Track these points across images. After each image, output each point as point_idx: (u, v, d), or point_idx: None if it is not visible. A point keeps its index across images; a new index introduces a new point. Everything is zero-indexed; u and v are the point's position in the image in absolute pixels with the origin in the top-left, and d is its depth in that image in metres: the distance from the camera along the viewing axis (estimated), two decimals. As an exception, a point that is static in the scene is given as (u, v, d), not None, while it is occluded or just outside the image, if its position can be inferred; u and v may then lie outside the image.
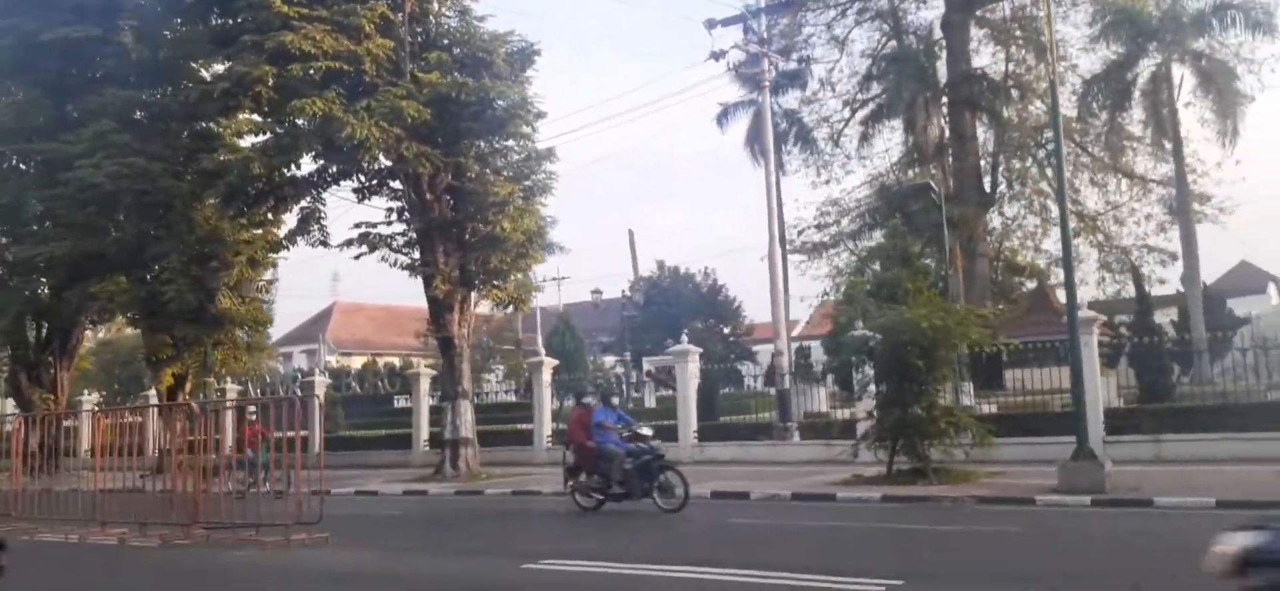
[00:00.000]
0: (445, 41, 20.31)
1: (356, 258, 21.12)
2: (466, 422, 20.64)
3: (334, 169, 20.78)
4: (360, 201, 21.35)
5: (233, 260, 23.49)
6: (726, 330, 43.19)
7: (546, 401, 23.94)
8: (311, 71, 18.35)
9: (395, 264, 21.19)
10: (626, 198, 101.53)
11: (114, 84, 23.35)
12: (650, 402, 35.91)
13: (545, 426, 23.63)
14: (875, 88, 43.20)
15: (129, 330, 45.37)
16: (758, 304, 47.96)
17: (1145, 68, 33.02)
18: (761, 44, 24.24)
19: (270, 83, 18.51)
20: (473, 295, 21.23)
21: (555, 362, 25.18)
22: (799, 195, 41.87)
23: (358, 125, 17.82)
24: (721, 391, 35.97)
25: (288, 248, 20.82)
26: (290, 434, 12.55)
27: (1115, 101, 33.33)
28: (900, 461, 15.34)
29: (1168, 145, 33.63)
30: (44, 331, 28.66)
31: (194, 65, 24.46)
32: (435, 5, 20.46)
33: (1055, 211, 41.20)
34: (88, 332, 32.14)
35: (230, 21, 21.21)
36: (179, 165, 23.12)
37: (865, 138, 43.72)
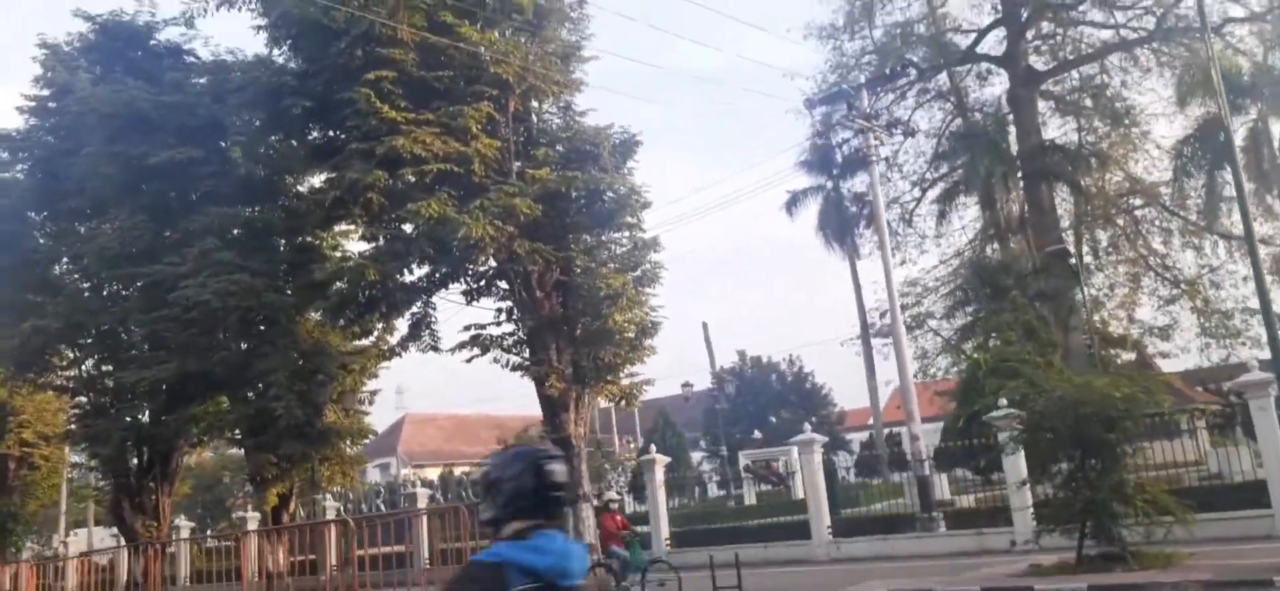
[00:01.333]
0: (547, 138, 19.73)
1: (469, 361, 20.31)
2: (589, 527, 19.38)
3: (441, 272, 20.10)
4: (468, 303, 20.65)
5: (337, 373, 22.79)
6: (814, 419, 41.46)
7: (662, 501, 22.62)
8: (422, 175, 17.78)
9: (507, 364, 20.28)
10: (695, 288, 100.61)
11: (213, 203, 23.12)
12: (750, 499, 34.24)
13: (663, 528, 22.27)
14: (943, 166, 42.39)
15: (208, 454, 45.11)
16: (844, 391, 46.40)
17: (1240, 125, 31.60)
18: (868, 120, 23.23)
19: (381, 187, 17.97)
20: (585, 393, 20.17)
21: (667, 460, 23.91)
22: (876, 278, 40.05)
23: (474, 225, 17.13)
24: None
25: (400, 355, 20.12)
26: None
27: (1213, 161, 31.81)
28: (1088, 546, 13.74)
29: (1271, 200, 32.01)
30: (144, 456, 28.17)
31: (289, 180, 24.27)
32: (537, 103, 19.95)
33: (1146, 280, 39.73)
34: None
35: (331, 133, 20.99)
36: (280, 280, 22.68)
37: (943, 216, 42.74)
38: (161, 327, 22.41)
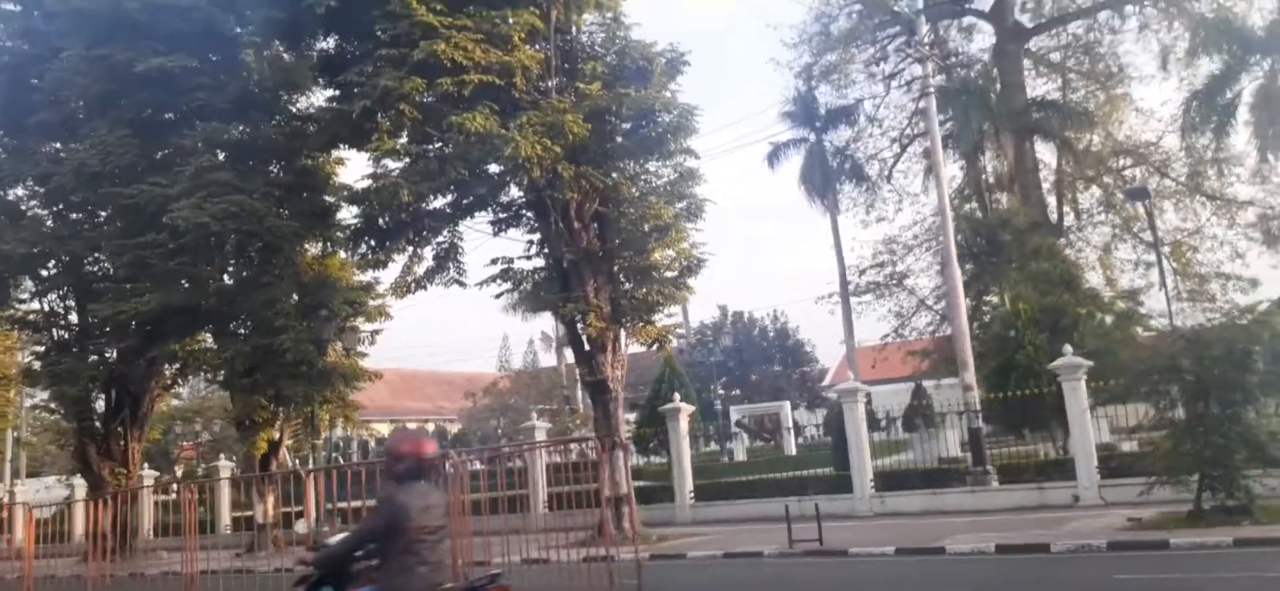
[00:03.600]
0: (592, 53, 17.88)
1: (497, 296, 18.50)
2: (626, 477, 17.89)
3: (468, 199, 18.23)
4: (495, 234, 18.83)
5: (341, 308, 20.78)
6: (796, 374, 40.48)
7: (685, 453, 21.21)
8: (461, 86, 15.85)
9: (533, 301, 18.53)
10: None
11: (202, 119, 20.77)
12: (741, 455, 33.05)
13: (687, 482, 20.89)
14: (921, 124, 41.49)
15: (174, 400, 42.23)
16: (826, 348, 45.44)
17: (1248, 83, 31.08)
18: (933, 45, 21.76)
19: (416, 99, 16.01)
20: (622, 333, 18.54)
21: (691, 408, 22.48)
22: (854, 235, 39.07)
23: (522, 142, 15.31)
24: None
25: (424, 287, 18.21)
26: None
27: (1221, 119, 31.25)
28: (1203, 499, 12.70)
29: (1274, 161, 31.67)
30: (113, 398, 25.74)
31: (286, 97, 22.01)
32: (579, 14, 18.02)
33: (1136, 239, 39.36)
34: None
35: (345, 44, 18.87)
36: (279, 205, 20.52)
37: (929, 171, 41.88)
38: (145, 254, 20.05)
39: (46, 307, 25.39)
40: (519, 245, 18.74)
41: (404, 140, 16.60)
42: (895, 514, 18.38)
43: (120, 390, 25.43)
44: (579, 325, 18.30)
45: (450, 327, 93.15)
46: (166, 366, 25.72)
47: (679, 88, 18.16)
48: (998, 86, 38.02)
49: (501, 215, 18.76)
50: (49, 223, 24.30)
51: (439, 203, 17.96)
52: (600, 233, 18.21)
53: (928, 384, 33.19)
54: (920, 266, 41.67)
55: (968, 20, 41.42)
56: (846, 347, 41.44)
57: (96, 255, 23.79)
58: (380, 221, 17.77)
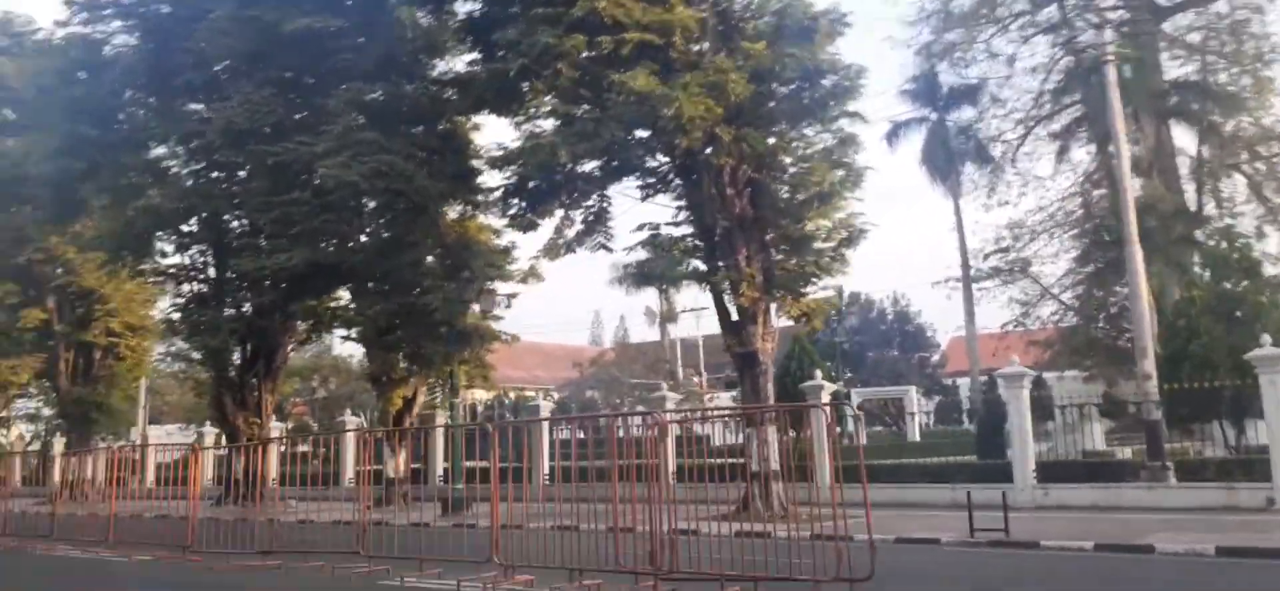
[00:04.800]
0: (751, 12, 16.96)
1: (642, 263, 17.84)
2: (775, 452, 17.15)
3: (617, 164, 17.61)
4: (643, 199, 18.18)
5: (484, 270, 20.49)
6: (915, 359, 39.00)
7: (826, 433, 20.33)
8: (619, 45, 15.17)
9: (688, 270, 17.84)
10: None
11: (344, 80, 20.61)
12: (862, 440, 31.82)
13: (826, 462, 20.03)
14: (1048, 105, 39.36)
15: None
16: (942, 334, 43.75)
17: None
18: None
19: (576, 58, 15.40)
20: (773, 305, 17.73)
21: (834, 387, 21.59)
22: (976, 218, 37.14)
23: (686, 102, 14.57)
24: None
25: (573, 250, 17.73)
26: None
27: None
28: None
29: None
30: (248, 350, 26.17)
31: (426, 60, 21.71)
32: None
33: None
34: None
35: (490, 7, 18.36)
36: (423, 166, 20.25)
37: (1063, 152, 39.76)
38: (291, 211, 20.06)
39: (188, 261, 25.93)
40: (665, 211, 18.11)
41: (556, 101, 16.01)
42: (1060, 507, 17.20)
43: (256, 343, 25.85)
44: (728, 295, 17.57)
45: (543, 300, 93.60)
46: (301, 322, 26.01)
47: (836, 51, 17.18)
48: (1129, 68, 35.66)
49: (650, 181, 18.10)
50: (190, 181, 24.75)
51: (588, 166, 17.42)
52: (753, 200, 17.38)
53: (1048, 376, 31.70)
54: (1049, 252, 39.83)
55: (1101, -1, 38.92)
56: (966, 334, 39.91)
57: (237, 212, 24.09)
58: (531, 183, 17.29)
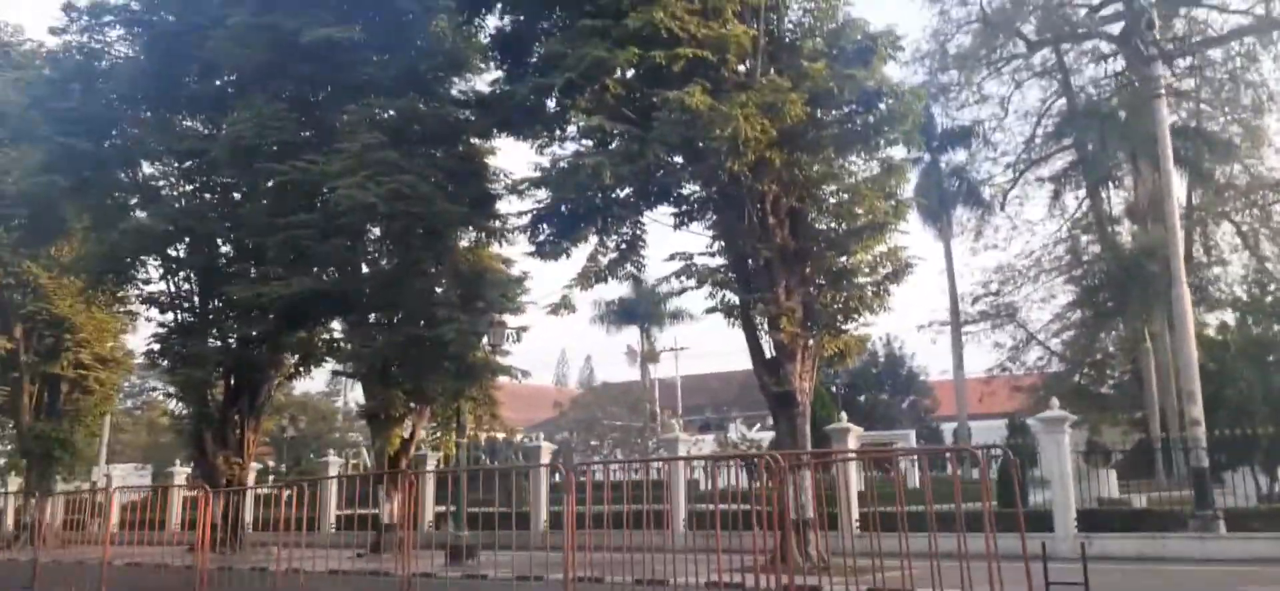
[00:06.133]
0: (803, 31, 16.29)
1: (680, 292, 16.90)
2: (812, 498, 16.10)
3: (655, 188, 16.71)
4: (676, 227, 17.26)
5: (498, 300, 19.33)
6: (905, 403, 38.39)
7: (853, 478, 19.38)
8: (672, 61, 14.35)
9: (721, 303, 16.90)
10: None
11: (366, 95, 19.56)
12: (860, 486, 30.97)
13: (854, 510, 19.07)
14: (1038, 148, 39.64)
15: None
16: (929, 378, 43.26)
17: None
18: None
19: (624, 74, 14.55)
20: (812, 342, 16.80)
21: (859, 430, 20.67)
22: (966, 262, 36.97)
23: (743, 121, 13.75)
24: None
25: (606, 280, 16.70)
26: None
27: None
28: None
29: None
30: (232, 384, 24.57)
31: (443, 76, 20.74)
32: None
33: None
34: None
35: (524, 18, 17.49)
36: (442, 189, 19.17)
37: (1057, 196, 39.92)
38: (298, 235, 18.79)
39: (173, 288, 24.42)
40: (698, 240, 17.21)
41: (601, 119, 15.09)
42: (1103, 557, 16.32)
43: (240, 377, 24.33)
44: (763, 330, 16.66)
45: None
46: (291, 355, 24.55)
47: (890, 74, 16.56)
48: (1123, 114, 36.00)
49: (684, 208, 17.21)
50: (180, 202, 23.39)
51: (623, 192, 16.47)
52: (794, 230, 16.55)
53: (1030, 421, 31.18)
54: (1037, 297, 39.76)
55: (1096, 44, 39.40)
56: (955, 379, 39.53)
57: (231, 235, 22.75)
58: (563, 208, 16.29)
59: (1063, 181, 38.64)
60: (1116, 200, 38.82)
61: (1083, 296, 36.82)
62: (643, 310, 41.78)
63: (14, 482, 35.13)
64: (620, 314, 43.85)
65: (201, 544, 13.07)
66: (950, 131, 39.53)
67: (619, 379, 56.87)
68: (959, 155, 39.78)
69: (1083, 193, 39.55)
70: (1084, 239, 39.18)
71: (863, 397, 36.80)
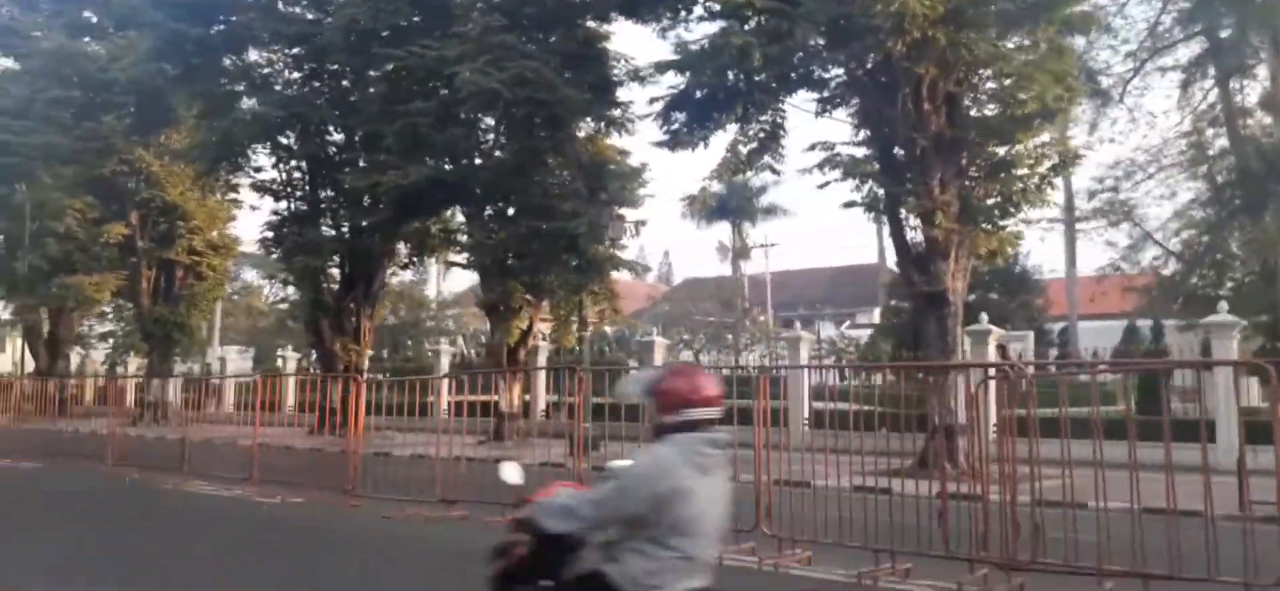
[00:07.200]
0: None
1: (822, 187, 15.66)
2: (961, 403, 15.09)
3: (796, 73, 15.36)
4: (818, 115, 15.95)
5: (618, 192, 18.42)
6: (1015, 303, 36.55)
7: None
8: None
9: (866, 196, 15.67)
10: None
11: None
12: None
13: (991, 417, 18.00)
14: (1163, 37, 36.32)
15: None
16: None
17: None
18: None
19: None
20: (967, 239, 15.51)
21: (1001, 332, 19.47)
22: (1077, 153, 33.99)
23: (905, -7, 12.27)
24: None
25: (746, 170, 15.62)
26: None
27: None
28: None
29: None
30: (346, 273, 24.44)
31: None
32: None
33: None
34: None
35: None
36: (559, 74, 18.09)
37: (1186, 85, 36.87)
38: (417, 122, 18.01)
39: (284, 176, 24.13)
40: (842, 129, 15.89)
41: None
42: (1260, 471, 15.09)
43: (354, 266, 24.14)
44: (912, 225, 15.44)
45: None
46: (405, 245, 24.22)
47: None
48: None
49: (828, 93, 15.85)
50: (290, 90, 22.86)
51: (763, 75, 15.15)
52: (950, 117, 15.11)
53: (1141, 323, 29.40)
54: (1156, 194, 37.24)
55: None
56: (1067, 277, 37.58)
57: (341, 123, 22.18)
58: (698, 94, 15.11)
59: (1192, 71, 35.50)
60: (1250, 93, 35.71)
61: (1211, 194, 34.22)
62: (736, 205, 40.45)
63: (133, 363, 36.34)
64: (714, 210, 42.54)
65: (354, 429, 12.79)
66: (1068, 17, 36.37)
67: (695, 274, 55.89)
68: (1077, 41, 36.71)
69: (1210, 84, 36.46)
70: (1210, 132, 36.32)
71: (973, 296, 35.09)
